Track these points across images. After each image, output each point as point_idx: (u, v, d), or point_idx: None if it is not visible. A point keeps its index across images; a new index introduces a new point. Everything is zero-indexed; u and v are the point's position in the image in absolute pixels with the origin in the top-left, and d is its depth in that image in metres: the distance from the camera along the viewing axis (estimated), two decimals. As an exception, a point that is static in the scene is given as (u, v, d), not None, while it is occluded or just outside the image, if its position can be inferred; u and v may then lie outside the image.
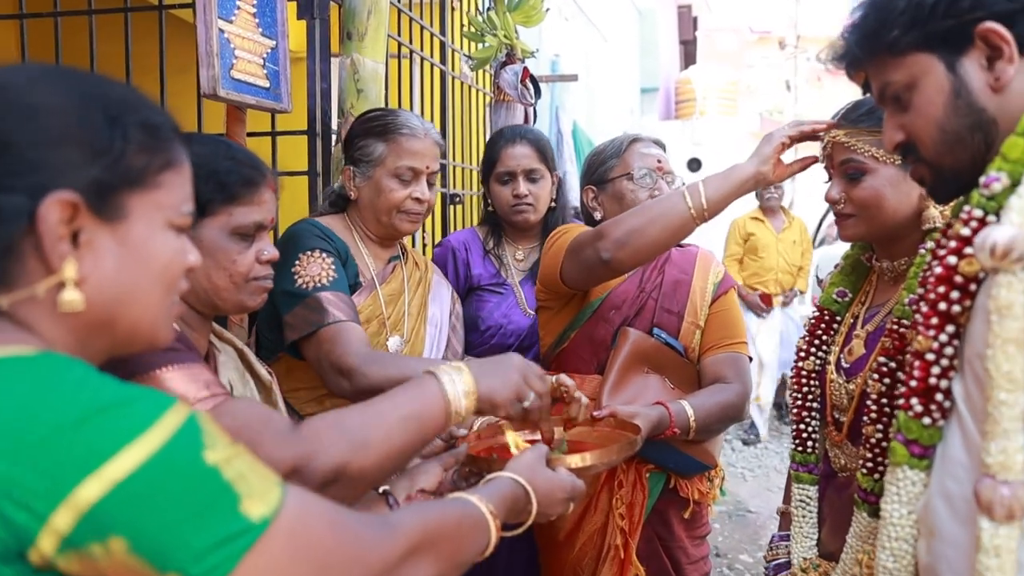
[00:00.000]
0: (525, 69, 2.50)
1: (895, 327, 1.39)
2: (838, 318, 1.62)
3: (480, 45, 2.60)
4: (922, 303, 1.01)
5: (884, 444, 1.38)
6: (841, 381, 1.53)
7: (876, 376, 1.39)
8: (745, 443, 5.74)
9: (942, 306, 0.97)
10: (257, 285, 1.22)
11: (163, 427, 0.62)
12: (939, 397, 1.00)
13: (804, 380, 1.62)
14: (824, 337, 1.63)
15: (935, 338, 0.99)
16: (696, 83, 12.87)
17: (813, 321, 1.66)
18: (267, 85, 2.00)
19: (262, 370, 1.29)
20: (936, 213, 1.45)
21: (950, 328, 0.97)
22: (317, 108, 2.13)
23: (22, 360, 0.63)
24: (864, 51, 1.07)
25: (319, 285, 1.55)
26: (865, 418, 1.42)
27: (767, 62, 20.97)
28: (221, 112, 2.00)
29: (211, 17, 1.77)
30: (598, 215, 1.96)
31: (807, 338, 1.65)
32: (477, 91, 3.44)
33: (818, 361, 1.61)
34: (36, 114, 0.68)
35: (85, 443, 0.59)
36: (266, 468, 0.68)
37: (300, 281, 1.55)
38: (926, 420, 1.01)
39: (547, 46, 4.98)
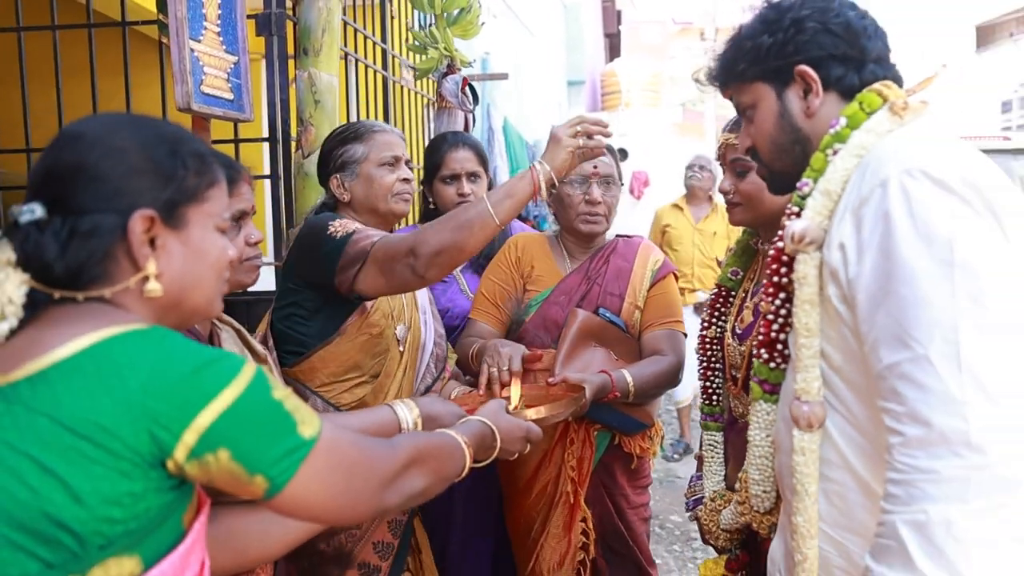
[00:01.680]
0: (464, 78, 2.74)
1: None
2: (733, 293, 1.93)
3: (422, 57, 2.84)
4: (765, 277, 1.34)
5: None
6: (736, 344, 1.83)
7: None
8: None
9: (775, 279, 1.30)
10: (249, 264, 1.48)
11: (244, 375, 0.87)
12: (779, 347, 1.33)
13: (708, 346, 1.92)
14: (723, 310, 1.93)
15: (772, 302, 1.31)
16: (621, 75, 13.28)
17: (713, 297, 1.96)
18: (232, 97, 2.20)
19: (258, 347, 1.52)
20: None
21: (782, 295, 1.30)
22: (277, 117, 2.33)
23: (144, 331, 0.86)
24: (724, 77, 1.38)
25: (352, 231, 1.71)
26: (760, 338, 1.75)
27: (689, 53, 21.54)
28: (185, 121, 2.19)
29: (183, 38, 1.97)
30: (551, 218, 2.23)
31: (709, 311, 1.95)
32: (416, 95, 3.66)
33: (718, 330, 1.92)
34: (121, 152, 0.90)
35: (199, 386, 0.84)
36: (307, 405, 0.95)
37: (338, 234, 1.70)
38: (771, 364, 1.34)
39: (477, 44, 5.17)
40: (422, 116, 3.81)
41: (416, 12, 3.43)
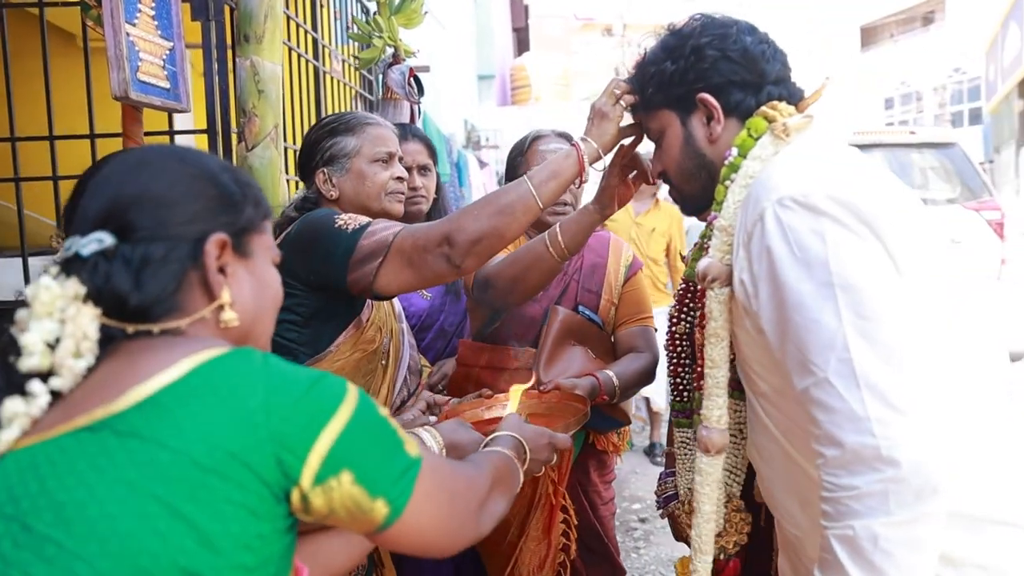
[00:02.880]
0: (411, 68, 2.65)
1: None
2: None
3: (360, 47, 2.73)
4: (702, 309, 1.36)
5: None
6: None
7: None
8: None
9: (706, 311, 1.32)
10: None
11: (352, 393, 0.82)
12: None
13: (677, 342, 1.91)
14: (691, 304, 1.91)
15: (703, 334, 1.33)
16: (531, 70, 13.35)
17: (681, 292, 1.94)
18: (168, 86, 2.04)
19: None
20: None
21: None
22: (216, 107, 2.19)
23: (245, 351, 0.80)
24: (632, 104, 1.43)
25: (366, 222, 1.56)
26: (699, 370, 1.75)
27: (591, 48, 21.87)
28: (111, 112, 2.02)
29: (119, 21, 1.81)
30: None
31: (677, 306, 1.94)
32: (345, 86, 3.53)
33: (688, 325, 1.90)
34: (191, 179, 0.87)
35: (316, 405, 0.78)
36: None
37: (349, 227, 1.55)
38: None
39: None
40: (351, 108, 3.67)
41: (351, 2, 3.30)
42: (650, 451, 5.15)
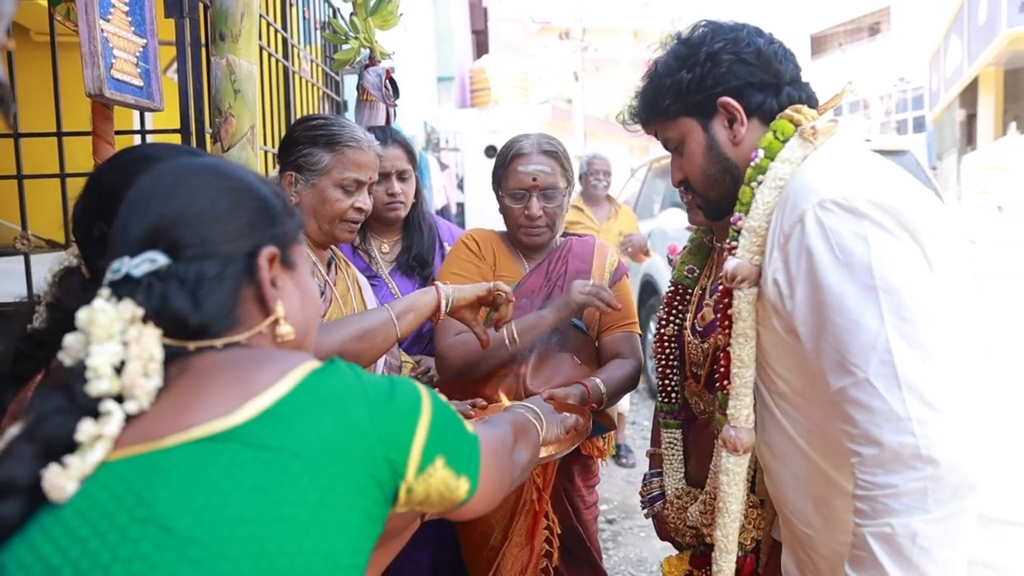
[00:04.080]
0: (387, 70, 2.63)
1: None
2: (690, 291, 1.93)
3: (333, 47, 2.70)
4: (716, 311, 1.38)
5: None
6: (697, 342, 1.84)
7: (724, 336, 1.73)
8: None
9: (728, 311, 1.32)
10: None
11: (423, 390, 0.88)
12: None
13: (666, 344, 1.92)
14: (680, 307, 1.93)
15: (726, 335, 1.34)
16: (490, 72, 13.34)
17: (669, 294, 1.96)
18: (141, 84, 1.99)
19: None
20: None
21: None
22: (190, 106, 2.14)
23: (331, 364, 0.82)
24: (647, 115, 1.42)
25: None
26: (719, 371, 1.75)
27: (549, 51, 21.98)
28: (80, 108, 1.97)
29: (93, 16, 1.76)
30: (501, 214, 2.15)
31: (666, 308, 1.95)
32: (313, 86, 3.49)
33: (676, 327, 1.92)
34: (235, 192, 0.87)
35: (405, 406, 0.84)
36: None
37: None
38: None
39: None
40: (319, 108, 3.63)
41: (318, 1, 3.26)
42: (616, 453, 5.18)
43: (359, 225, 1.85)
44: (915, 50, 19.93)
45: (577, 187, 5.28)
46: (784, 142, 1.25)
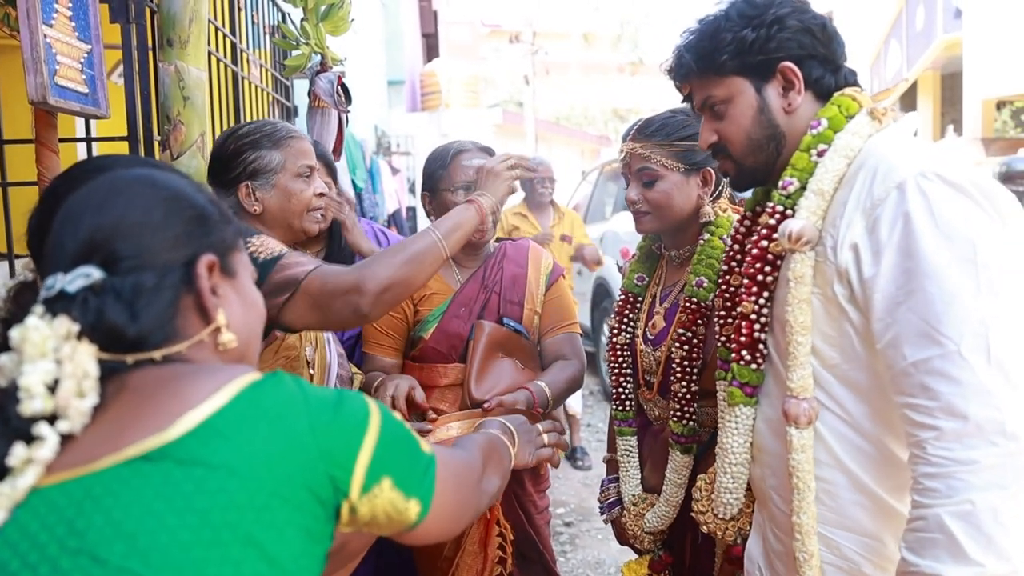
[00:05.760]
0: (339, 76, 2.60)
1: (688, 304, 1.74)
2: (640, 299, 1.95)
3: (289, 52, 2.66)
4: (743, 277, 1.34)
5: (689, 396, 1.74)
6: (649, 350, 1.86)
7: (677, 344, 1.74)
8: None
9: (759, 278, 1.31)
10: None
11: (372, 403, 0.85)
12: (761, 348, 1.33)
13: (619, 352, 1.94)
14: (631, 315, 1.94)
15: (755, 303, 1.31)
16: (440, 75, 13.31)
17: (620, 303, 1.97)
18: (87, 91, 1.94)
19: None
20: (710, 210, 1.80)
21: (765, 295, 1.31)
22: (138, 113, 2.09)
23: (274, 375, 0.80)
24: (697, 67, 1.35)
25: (278, 254, 1.53)
26: (672, 378, 1.76)
27: (500, 55, 22.00)
28: (21, 116, 1.91)
29: (36, 22, 1.71)
30: (433, 218, 2.14)
31: (617, 317, 1.96)
32: (263, 92, 3.44)
33: (627, 336, 1.94)
34: (170, 201, 0.85)
35: (350, 420, 0.81)
36: None
37: (260, 255, 1.52)
38: (753, 366, 1.34)
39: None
40: (269, 114, 3.58)
41: (267, 5, 3.22)
42: (571, 455, 5.21)
43: (323, 216, 1.83)
44: (856, 55, 20.43)
45: (520, 193, 5.17)
46: (848, 118, 1.24)
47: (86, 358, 0.74)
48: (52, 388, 0.73)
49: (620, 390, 1.93)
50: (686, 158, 1.76)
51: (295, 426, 0.76)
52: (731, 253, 1.48)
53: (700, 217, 1.80)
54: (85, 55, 1.95)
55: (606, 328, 4.99)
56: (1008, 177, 5.32)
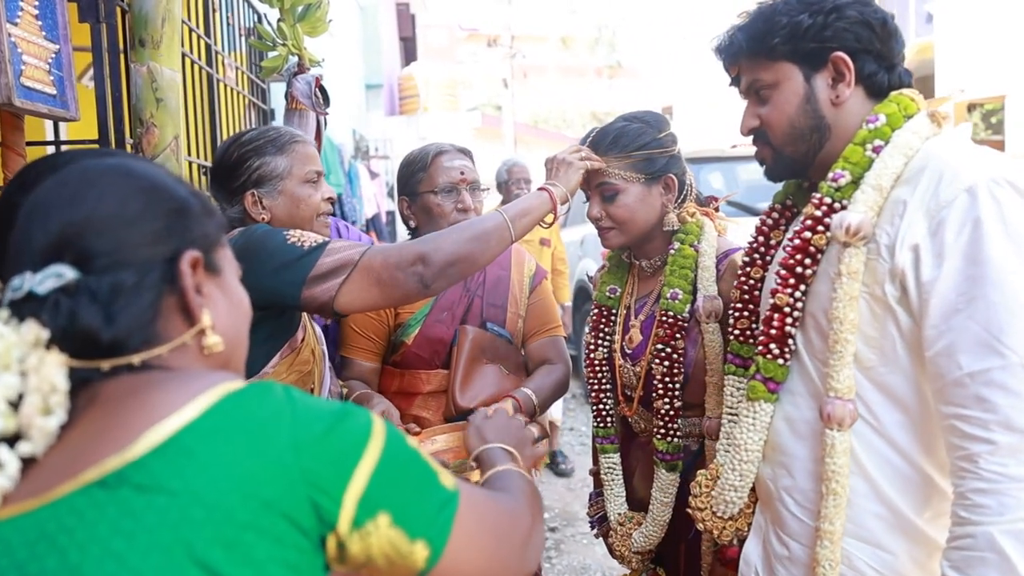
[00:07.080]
0: (317, 78, 2.55)
1: (664, 318, 1.69)
2: (614, 311, 1.88)
3: (265, 54, 2.61)
4: (780, 268, 1.29)
5: (672, 412, 1.69)
6: (628, 365, 1.80)
7: (657, 360, 1.69)
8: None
9: (798, 270, 1.25)
10: None
11: (378, 427, 0.75)
12: (790, 342, 1.28)
13: (596, 368, 1.88)
14: (606, 329, 1.88)
15: (791, 295, 1.26)
16: (418, 79, 13.25)
17: (594, 317, 1.90)
18: (54, 92, 1.88)
19: None
20: (674, 218, 1.76)
21: (802, 287, 1.26)
22: (109, 116, 2.03)
23: (261, 384, 0.72)
24: (748, 48, 1.31)
25: (324, 240, 1.52)
26: (654, 395, 1.71)
27: (477, 58, 22.00)
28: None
29: (0, 20, 1.65)
30: (412, 223, 2.09)
31: (592, 333, 1.89)
32: (239, 94, 3.38)
33: (604, 351, 1.88)
34: (149, 193, 0.77)
35: (345, 440, 0.71)
36: None
37: (304, 243, 1.50)
38: (780, 361, 1.28)
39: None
40: (245, 117, 3.53)
41: (242, 6, 3.16)
42: (552, 461, 5.17)
43: (331, 221, 1.80)
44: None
45: (497, 196, 5.08)
46: (906, 117, 1.20)
47: (54, 370, 0.67)
48: (15, 404, 0.65)
49: (600, 406, 1.88)
50: (646, 168, 1.72)
51: (274, 442, 0.67)
52: (755, 245, 1.44)
53: (663, 226, 1.77)
54: (53, 55, 1.89)
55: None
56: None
